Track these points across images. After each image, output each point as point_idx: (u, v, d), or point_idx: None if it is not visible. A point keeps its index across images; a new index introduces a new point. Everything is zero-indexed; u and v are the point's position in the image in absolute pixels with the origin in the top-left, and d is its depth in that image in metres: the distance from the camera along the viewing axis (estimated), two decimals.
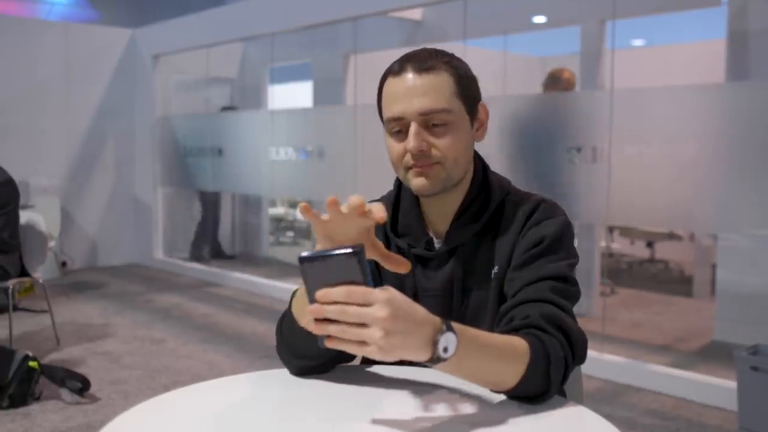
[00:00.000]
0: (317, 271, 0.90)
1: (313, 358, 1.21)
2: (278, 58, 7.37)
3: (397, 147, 1.25)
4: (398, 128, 1.24)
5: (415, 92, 1.21)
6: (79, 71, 7.18)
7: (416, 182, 1.25)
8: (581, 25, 5.76)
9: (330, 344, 0.90)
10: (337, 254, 0.89)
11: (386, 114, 1.25)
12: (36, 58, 6.90)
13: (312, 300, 0.91)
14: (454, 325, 0.96)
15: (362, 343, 0.88)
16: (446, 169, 1.24)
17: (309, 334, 1.12)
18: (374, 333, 0.87)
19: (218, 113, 7.30)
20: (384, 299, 0.88)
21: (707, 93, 3.67)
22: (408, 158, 1.24)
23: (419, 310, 0.93)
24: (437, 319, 0.94)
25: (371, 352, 0.88)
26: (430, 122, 1.22)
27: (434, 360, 0.94)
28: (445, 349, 0.93)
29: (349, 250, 0.88)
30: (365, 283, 0.89)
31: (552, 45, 9.11)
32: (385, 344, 0.87)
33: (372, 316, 0.87)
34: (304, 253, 0.90)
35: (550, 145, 4.09)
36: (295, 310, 1.18)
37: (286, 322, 1.21)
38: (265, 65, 8.12)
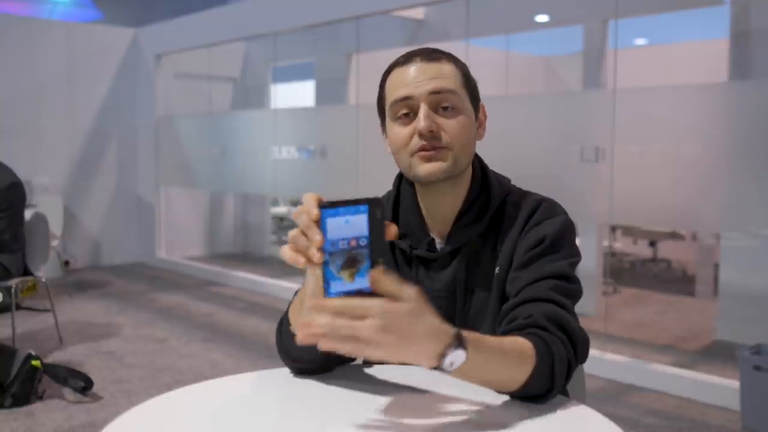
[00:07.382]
0: (332, 221, 0.88)
1: (306, 361, 1.20)
2: (281, 57, 7.38)
3: (403, 131, 1.23)
4: (405, 110, 1.22)
5: (425, 75, 1.21)
6: (82, 71, 7.19)
7: (424, 168, 1.22)
8: (584, 25, 5.76)
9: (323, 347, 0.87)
10: (350, 206, 0.87)
11: (392, 97, 1.23)
12: (38, 57, 6.90)
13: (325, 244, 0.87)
14: (465, 335, 0.93)
15: (356, 341, 0.85)
16: (454, 155, 1.22)
17: None
18: (363, 347, 0.84)
19: (220, 113, 7.31)
20: (380, 312, 0.84)
21: (710, 92, 3.66)
22: (415, 142, 1.21)
23: (423, 324, 0.88)
24: (449, 332, 0.91)
25: (366, 356, 0.86)
26: (439, 104, 1.21)
27: (437, 369, 0.92)
28: (451, 364, 0.92)
29: (363, 205, 0.85)
30: (368, 239, 0.86)
31: (555, 44, 9.09)
32: (374, 353, 0.85)
33: (361, 331, 0.84)
34: (324, 201, 0.89)
35: (552, 145, 4.08)
36: (291, 314, 1.17)
37: (284, 325, 1.21)
38: (268, 64, 8.13)
